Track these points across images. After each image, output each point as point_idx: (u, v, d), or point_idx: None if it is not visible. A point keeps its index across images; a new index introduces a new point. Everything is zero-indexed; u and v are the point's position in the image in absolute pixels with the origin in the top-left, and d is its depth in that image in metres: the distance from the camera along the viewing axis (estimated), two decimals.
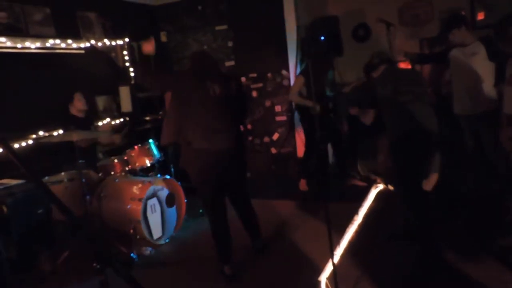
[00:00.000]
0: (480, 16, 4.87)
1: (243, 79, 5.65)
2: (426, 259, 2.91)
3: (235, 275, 3.11)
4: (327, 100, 4.66)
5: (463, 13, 4.46)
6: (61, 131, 4.27)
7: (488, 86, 3.62)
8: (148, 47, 3.04)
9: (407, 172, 3.05)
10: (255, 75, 5.69)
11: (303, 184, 4.94)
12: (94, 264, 1.38)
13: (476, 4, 4.88)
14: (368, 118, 3.32)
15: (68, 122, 4.07)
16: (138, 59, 3.53)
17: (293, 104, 5.19)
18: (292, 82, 5.42)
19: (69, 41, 4.63)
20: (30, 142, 4.12)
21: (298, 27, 5.30)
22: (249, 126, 5.79)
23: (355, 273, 3.03)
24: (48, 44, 4.40)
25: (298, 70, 5.32)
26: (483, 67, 3.62)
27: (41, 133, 4.22)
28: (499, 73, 3.54)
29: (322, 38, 4.83)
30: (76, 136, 3.51)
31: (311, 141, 4.82)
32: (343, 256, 3.25)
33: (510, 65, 2.92)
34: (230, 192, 3.34)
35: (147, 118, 4.81)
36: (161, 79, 3.13)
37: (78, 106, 4.31)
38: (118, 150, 4.44)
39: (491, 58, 3.56)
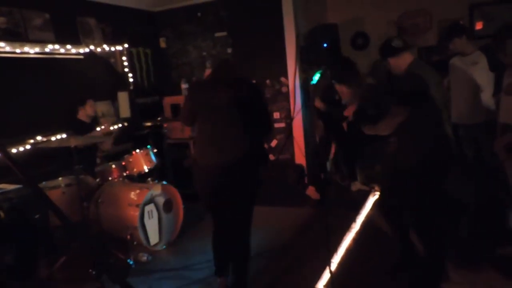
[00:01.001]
0: (479, 26, 4.91)
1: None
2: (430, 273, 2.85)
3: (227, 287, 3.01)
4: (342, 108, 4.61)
5: (461, 22, 4.49)
6: (59, 136, 4.28)
7: (487, 96, 3.63)
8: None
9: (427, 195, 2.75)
10: (254, 81, 5.70)
11: (312, 191, 4.89)
12: (90, 271, 1.37)
13: (475, 14, 4.92)
14: (390, 126, 2.71)
15: (72, 127, 4.09)
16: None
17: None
18: (291, 88, 5.43)
19: (68, 46, 4.64)
20: (28, 147, 4.12)
21: (297, 35, 5.32)
22: None
23: (353, 281, 3.01)
24: (47, 49, 4.40)
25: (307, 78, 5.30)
26: (483, 77, 3.62)
27: (39, 138, 4.22)
28: (498, 83, 3.55)
29: (325, 45, 4.84)
30: (74, 142, 3.50)
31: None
32: (340, 264, 3.25)
33: (507, 75, 2.94)
34: (230, 215, 2.88)
35: (146, 123, 4.82)
36: (184, 110, 2.91)
37: (89, 112, 4.37)
38: (117, 156, 4.43)
39: (491, 68, 3.57)
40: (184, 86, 5.77)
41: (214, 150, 2.75)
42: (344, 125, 4.84)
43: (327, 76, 4.56)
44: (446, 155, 2.77)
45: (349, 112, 3.22)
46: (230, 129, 2.75)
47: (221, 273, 3.01)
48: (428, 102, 2.67)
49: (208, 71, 2.95)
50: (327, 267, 2.80)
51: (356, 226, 3.91)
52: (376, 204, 4.41)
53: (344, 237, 3.69)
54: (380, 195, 3.31)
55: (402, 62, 2.97)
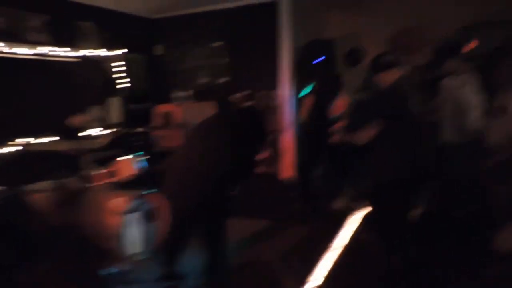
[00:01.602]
0: (472, 45, 4.91)
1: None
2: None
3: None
4: (329, 123, 4.61)
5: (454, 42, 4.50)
6: (48, 139, 4.26)
7: (476, 117, 3.63)
8: None
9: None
10: (249, 92, 5.69)
11: (298, 206, 4.87)
12: (73, 280, 1.36)
13: (469, 33, 4.93)
14: (366, 136, 2.83)
15: (61, 131, 4.07)
16: None
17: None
18: (283, 102, 5.42)
19: (65, 49, 4.63)
20: (17, 148, 4.09)
21: (292, 48, 5.33)
22: None
23: None
24: (43, 51, 4.40)
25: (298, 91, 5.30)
26: (473, 97, 3.63)
27: (27, 140, 4.20)
28: (489, 103, 3.56)
29: (319, 59, 4.85)
30: (62, 146, 3.49)
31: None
32: (326, 279, 3.21)
33: (501, 95, 2.95)
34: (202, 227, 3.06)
35: (137, 129, 4.81)
36: None
37: (82, 117, 4.32)
38: (105, 161, 4.40)
39: (482, 89, 3.58)
40: (178, 94, 5.77)
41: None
42: (335, 138, 4.83)
43: (316, 92, 4.57)
44: (420, 172, 2.79)
45: (338, 126, 3.27)
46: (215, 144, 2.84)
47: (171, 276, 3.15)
48: (406, 118, 2.70)
49: None
50: (308, 283, 2.77)
51: (341, 242, 3.89)
52: (365, 218, 4.39)
53: (328, 252, 3.66)
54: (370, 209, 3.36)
55: (389, 77, 2.99)
